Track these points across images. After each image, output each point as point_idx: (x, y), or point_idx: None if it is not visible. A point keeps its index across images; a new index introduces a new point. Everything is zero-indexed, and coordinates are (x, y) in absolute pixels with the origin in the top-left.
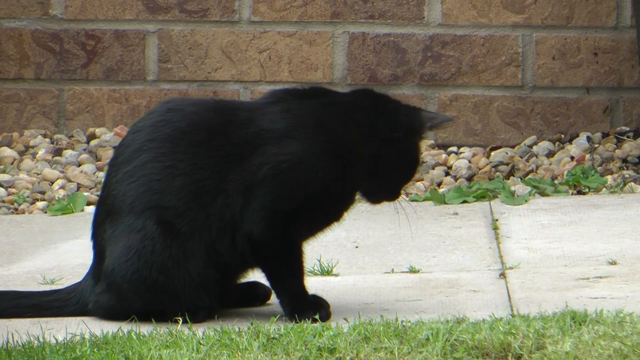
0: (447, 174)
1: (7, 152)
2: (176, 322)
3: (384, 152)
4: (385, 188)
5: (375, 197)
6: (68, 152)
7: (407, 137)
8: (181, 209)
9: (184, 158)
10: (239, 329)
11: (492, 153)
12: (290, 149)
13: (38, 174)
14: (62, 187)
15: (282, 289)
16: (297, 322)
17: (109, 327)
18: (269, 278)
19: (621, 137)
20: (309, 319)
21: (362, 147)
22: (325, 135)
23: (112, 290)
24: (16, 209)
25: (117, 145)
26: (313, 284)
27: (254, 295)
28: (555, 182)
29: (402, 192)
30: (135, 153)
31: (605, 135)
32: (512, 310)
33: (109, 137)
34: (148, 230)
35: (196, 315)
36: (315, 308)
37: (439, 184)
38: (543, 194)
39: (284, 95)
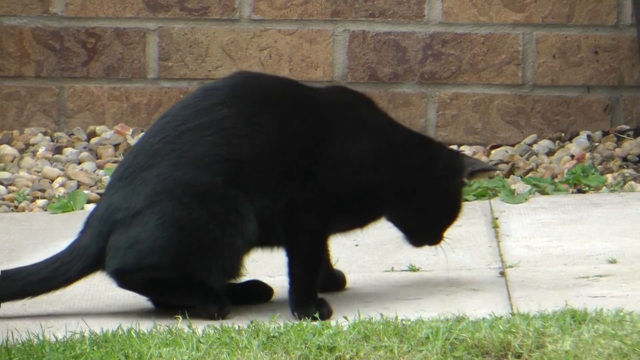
0: None
1: (8, 149)
2: (179, 314)
3: (422, 189)
4: (425, 229)
5: (416, 240)
6: (68, 150)
7: (447, 178)
8: (259, 166)
9: (272, 119)
10: (239, 327)
11: (492, 151)
12: (361, 143)
13: (38, 172)
14: (63, 185)
15: (296, 271)
16: (299, 318)
17: (109, 325)
18: (290, 254)
19: (621, 135)
20: (309, 316)
21: (403, 175)
22: (385, 147)
23: (145, 243)
24: (16, 207)
25: (180, 103)
26: None
27: (256, 294)
28: (556, 180)
29: (444, 236)
30: (216, 107)
31: (605, 133)
32: (512, 308)
33: (109, 135)
34: (215, 183)
35: (222, 309)
36: (318, 305)
37: None
38: (543, 192)
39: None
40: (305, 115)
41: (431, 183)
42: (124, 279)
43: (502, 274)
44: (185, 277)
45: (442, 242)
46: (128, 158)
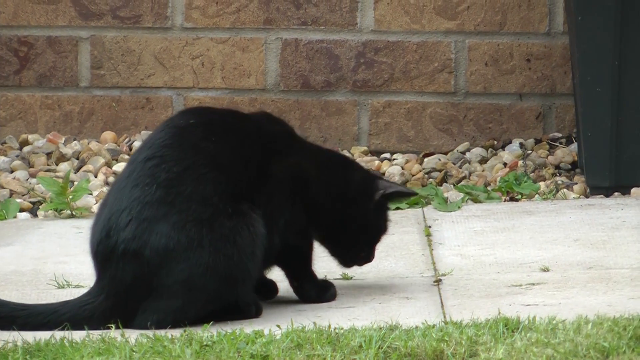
0: None
1: None
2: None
3: (338, 211)
4: (345, 251)
5: (342, 261)
6: (0, 159)
7: (358, 201)
8: (254, 194)
9: (253, 151)
10: (172, 335)
11: (425, 159)
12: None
13: None
14: None
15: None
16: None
17: (42, 334)
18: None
19: (554, 143)
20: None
21: (325, 194)
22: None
23: (188, 290)
24: None
25: (155, 141)
26: None
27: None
28: (488, 188)
29: (364, 256)
30: (202, 143)
31: (538, 141)
32: (444, 317)
33: (41, 143)
34: (248, 216)
35: (258, 309)
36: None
37: None
38: (476, 200)
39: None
40: (264, 144)
41: (345, 205)
42: (178, 327)
43: (435, 282)
44: (229, 301)
45: (371, 261)
46: (130, 211)
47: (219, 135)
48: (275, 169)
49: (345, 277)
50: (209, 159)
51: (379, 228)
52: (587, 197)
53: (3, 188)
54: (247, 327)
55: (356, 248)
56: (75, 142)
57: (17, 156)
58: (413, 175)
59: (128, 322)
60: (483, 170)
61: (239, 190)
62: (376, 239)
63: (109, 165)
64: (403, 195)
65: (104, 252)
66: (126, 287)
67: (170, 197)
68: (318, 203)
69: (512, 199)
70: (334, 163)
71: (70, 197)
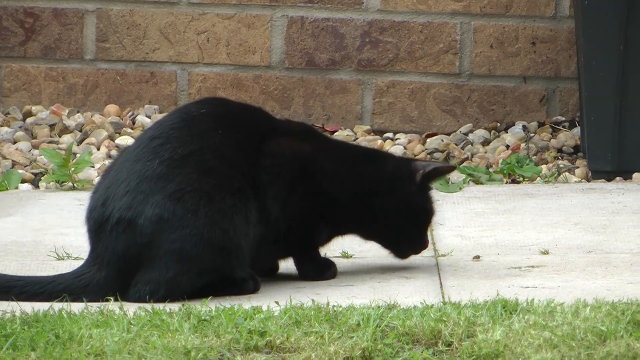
0: None
1: None
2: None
3: (377, 205)
4: (399, 241)
5: (397, 252)
6: (4, 129)
7: (396, 189)
8: (251, 185)
9: (251, 146)
10: (170, 309)
11: (428, 140)
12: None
13: None
14: None
15: None
16: None
17: (40, 305)
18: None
19: (557, 127)
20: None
21: (351, 193)
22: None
23: (181, 261)
24: None
25: (164, 123)
26: None
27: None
28: (490, 170)
29: (425, 241)
30: (209, 133)
31: (541, 124)
32: (443, 297)
33: (44, 115)
34: (250, 201)
35: (256, 284)
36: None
37: None
38: (477, 182)
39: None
40: (272, 138)
41: (383, 198)
42: (173, 299)
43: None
44: (223, 273)
45: (427, 247)
46: (129, 183)
47: (227, 127)
48: (272, 152)
49: (345, 256)
50: (214, 148)
51: (426, 211)
52: (588, 181)
53: (5, 159)
54: (246, 303)
55: (407, 236)
56: (78, 114)
57: (20, 127)
58: (415, 156)
59: (123, 294)
60: (485, 152)
61: (240, 178)
62: (425, 222)
63: (111, 138)
64: (443, 171)
65: (98, 220)
66: (119, 258)
67: (171, 176)
68: (340, 198)
69: (514, 182)
70: (361, 157)
71: (72, 169)
